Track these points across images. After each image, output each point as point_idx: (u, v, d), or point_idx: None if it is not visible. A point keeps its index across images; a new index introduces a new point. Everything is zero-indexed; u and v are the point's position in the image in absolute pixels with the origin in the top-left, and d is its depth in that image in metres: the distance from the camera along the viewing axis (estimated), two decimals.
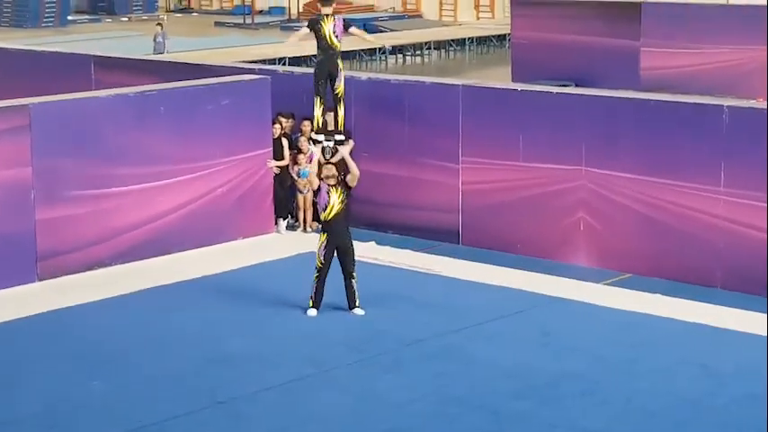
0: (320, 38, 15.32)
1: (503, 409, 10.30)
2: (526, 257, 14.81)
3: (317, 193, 12.86)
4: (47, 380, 11.05)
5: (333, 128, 14.69)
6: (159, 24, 33.96)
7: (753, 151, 13.53)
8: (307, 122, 15.97)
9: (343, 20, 15.65)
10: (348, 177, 12.57)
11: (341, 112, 15.25)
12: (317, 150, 13.22)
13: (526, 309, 13.06)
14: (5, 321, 12.61)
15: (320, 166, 13.05)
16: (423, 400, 10.52)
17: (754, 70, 26.41)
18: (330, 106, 15.21)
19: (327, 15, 15.36)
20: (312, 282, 12.62)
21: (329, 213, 12.49)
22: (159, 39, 31.64)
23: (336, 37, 15.31)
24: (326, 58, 15.35)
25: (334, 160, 12.59)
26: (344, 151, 12.76)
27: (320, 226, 12.81)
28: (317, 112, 15.13)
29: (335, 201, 12.46)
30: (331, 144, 12.85)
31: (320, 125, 14.28)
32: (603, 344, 11.96)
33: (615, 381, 10.98)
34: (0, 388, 10.85)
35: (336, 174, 12.61)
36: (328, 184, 12.49)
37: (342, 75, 15.43)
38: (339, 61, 15.46)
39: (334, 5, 15.57)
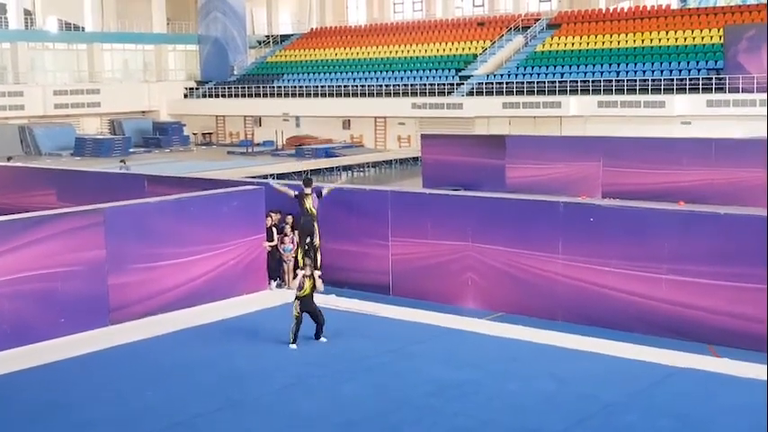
0: (303, 208, 15.53)
1: (422, 404, 10.23)
2: (434, 303, 14.76)
3: (295, 276, 13.19)
4: (119, 389, 10.88)
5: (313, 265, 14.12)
6: (122, 161, 33.25)
7: (579, 230, 13.69)
8: (289, 217, 15.95)
9: (315, 192, 15.70)
10: (316, 288, 12.69)
11: (318, 256, 15.37)
12: (301, 274, 13.20)
13: (435, 336, 13.00)
14: (89, 352, 12.39)
15: (301, 268, 13.23)
16: (368, 399, 10.44)
17: (580, 179, 26.71)
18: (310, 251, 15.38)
19: (308, 194, 15.56)
20: (291, 326, 12.52)
21: (303, 293, 12.57)
22: (124, 169, 28.94)
23: (314, 207, 15.55)
24: (306, 222, 15.55)
25: (308, 272, 12.63)
26: (317, 279, 12.77)
27: (296, 297, 12.71)
28: (299, 256, 15.34)
29: (307, 286, 12.56)
30: (308, 272, 12.82)
31: (303, 263, 13.71)
32: (486, 359, 11.91)
33: (495, 383, 10.94)
34: (84, 395, 10.68)
35: (310, 273, 12.69)
36: (304, 275, 12.63)
37: (316, 234, 15.52)
38: (315, 224, 15.57)
39: (312, 185, 15.74)
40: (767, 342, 11.75)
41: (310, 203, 15.57)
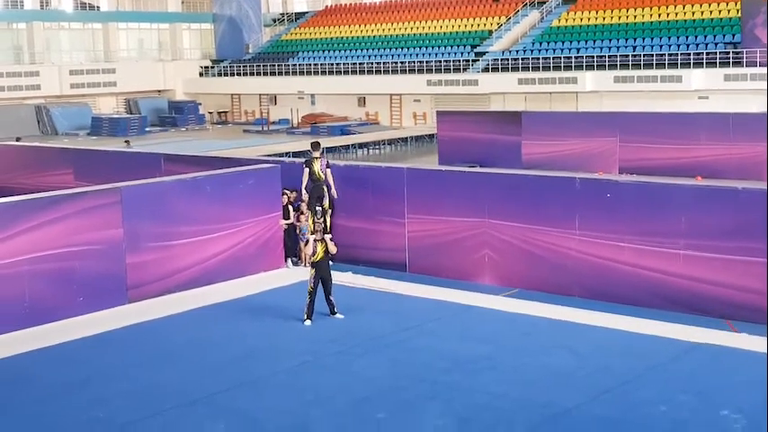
0: (312, 172, 15.47)
1: (438, 380, 10.24)
2: (450, 279, 14.75)
3: (307, 243, 13.12)
4: (137, 367, 10.95)
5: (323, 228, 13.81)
6: (127, 141, 33.85)
7: (596, 206, 13.62)
8: (305, 194, 15.93)
9: (326, 161, 15.76)
10: (328, 251, 12.65)
11: (329, 219, 15.28)
12: (312, 239, 12.98)
13: (451, 313, 13.00)
14: (108, 330, 12.48)
15: (312, 233, 13.05)
16: (385, 376, 10.46)
17: (596, 154, 26.58)
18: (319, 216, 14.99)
19: (316, 158, 15.55)
20: (305, 301, 12.55)
21: (316, 258, 12.55)
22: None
23: (323, 172, 15.47)
24: (315, 187, 15.47)
25: (319, 237, 12.60)
26: (329, 242, 12.72)
27: (311, 264, 12.72)
28: (310, 221, 15.07)
29: (320, 250, 12.55)
30: (319, 237, 12.62)
31: (313, 228, 13.41)
32: (502, 335, 11.92)
33: (511, 359, 10.95)
34: (103, 372, 10.74)
35: (321, 237, 12.67)
36: (315, 239, 12.61)
37: (326, 197, 15.44)
38: (324, 188, 15.51)
39: (321, 149, 15.81)
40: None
41: (318, 167, 15.49)
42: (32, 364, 11.20)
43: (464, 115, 31.94)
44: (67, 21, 52.91)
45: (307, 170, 15.56)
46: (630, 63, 38.29)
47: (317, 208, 14.97)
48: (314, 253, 12.59)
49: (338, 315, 12.68)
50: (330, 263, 12.88)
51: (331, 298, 12.69)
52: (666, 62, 37.43)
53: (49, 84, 47.99)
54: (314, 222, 13.36)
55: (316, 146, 15.91)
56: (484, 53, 43.99)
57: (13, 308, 12.46)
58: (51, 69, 48.55)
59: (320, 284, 12.62)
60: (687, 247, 12.72)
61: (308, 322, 12.46)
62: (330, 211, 15.60)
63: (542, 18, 46.08)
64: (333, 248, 12.81)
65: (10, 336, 12.20)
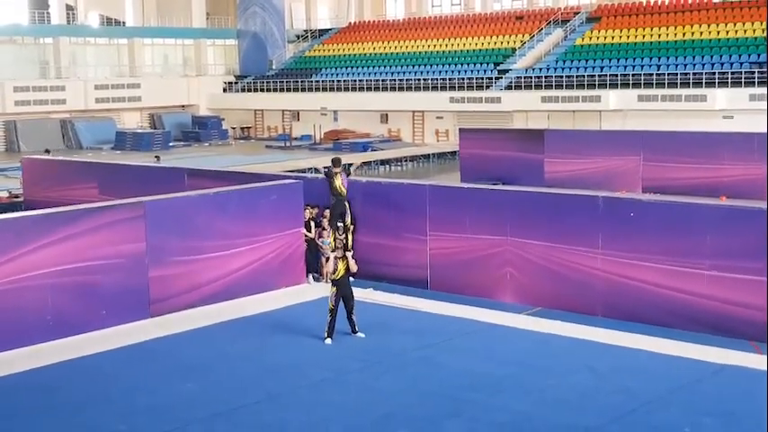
0: (333, 187, 15.37)
1: (460, 398, 10.22)
2: (472, 297, 14.72)
3: (328, 260, 13.03)
4: (160, 381, 10.99)
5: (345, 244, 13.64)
6: (156, 157, 34.92)
7: (619, 225, 13.56)
8: (327, 211, 15.97)
9: (346, 173, 15.59)
10: (349, 269, 12.60)
11: (350, 236, 15.20)
12: (332, 256, 12.94)
13: (474, 331, 12.97)
14: (130, 344, 12.55)
15: (333, 250, 12.99)
16: (406, 393, 10.44)
17: (620, 173, 26.46)
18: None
19: (337, 173, 15.38)
20: (326, 320, 12.52)
21: (337, 276, 12.51)
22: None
23: (344, 186, 15.35)
24: (337, 202, 15.39)
25: (340, 255, 12.58)
26: (350, 260, 12.68)
27: (331, 281, 12.72)
28: (330, 238, 15.02)
29: (341, 268, 12.52)
30: (340, 254, 12.55)
31: (335, 246, 13.21)
32: (525, 354, 11.88)
33: (533, 378, 10.89)
34: (126, 386, 10.79)
35: (342, 255, 12.59)
36: (336, 257, 12.57)
37: (347, 213, 15.28)
38: (346, 203, 15.43)
39: (341, 166, 15.49)
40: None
41: (340, 182, 15.35)
42: (55, 377, 11.27)
43: (487, 133, 31.93)
44: (93, 36, 53.43)
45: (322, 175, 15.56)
46: (654, 82, 38.20)
47: (339, 224, 14.96)
48: (335, 270, 12.58)
49: (360, 334, 12.65)
50: (351, 279, 12.85)
51: (353, 317, 12.67)
52: (691, 81, 37.31)
53: (74, 98, 48.46)
54: (335, 239, 13.31)
55: (337, 161, 15.81)
56: (507, 71, 44.04)
57: (37, 321, 12.56)
58: (77, 84, 49.04)
59: (342, 303, 12.62)
60: (711, 268, 12.64)
61: (328, 341, 12.42)
62: (352, 227, 15.58)
63: (566, 36, 46.10)
64: (354, 267, 12.77)
65: (33, 348, 12.29)
